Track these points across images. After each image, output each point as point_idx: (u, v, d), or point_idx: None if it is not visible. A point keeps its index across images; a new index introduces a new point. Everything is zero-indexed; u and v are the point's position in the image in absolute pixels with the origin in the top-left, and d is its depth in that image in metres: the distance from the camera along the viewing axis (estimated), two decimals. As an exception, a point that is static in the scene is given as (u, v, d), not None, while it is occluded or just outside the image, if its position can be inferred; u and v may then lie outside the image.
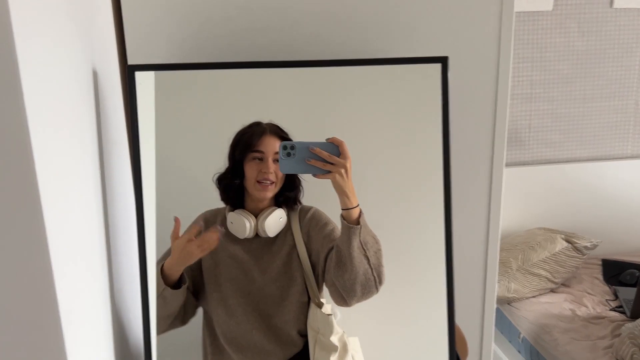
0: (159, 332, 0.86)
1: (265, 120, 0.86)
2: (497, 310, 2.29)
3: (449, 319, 0.90)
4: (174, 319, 0.86)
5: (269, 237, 0.87)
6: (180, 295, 0.84)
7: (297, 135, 0.87)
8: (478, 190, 1.12)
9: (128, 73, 0.79)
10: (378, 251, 0.85)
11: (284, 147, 0.81)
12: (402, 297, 0.92)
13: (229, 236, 0.86)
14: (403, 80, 0.90)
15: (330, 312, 0.87)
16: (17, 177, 0.50)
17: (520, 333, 2.10)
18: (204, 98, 0.89)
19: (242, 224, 0.85)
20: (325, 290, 0.88)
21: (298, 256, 0.87)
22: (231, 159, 0.85)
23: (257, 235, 0.87)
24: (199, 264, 0.87)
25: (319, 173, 0.82)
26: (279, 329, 0.87)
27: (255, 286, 0.87)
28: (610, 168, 2.56)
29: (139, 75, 0.81)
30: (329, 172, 0.82)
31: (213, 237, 0.83)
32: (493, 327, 1.23)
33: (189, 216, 0.88)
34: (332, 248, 0.85)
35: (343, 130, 0.90)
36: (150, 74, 0.83)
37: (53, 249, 0.53)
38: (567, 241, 2.28)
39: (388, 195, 0.91)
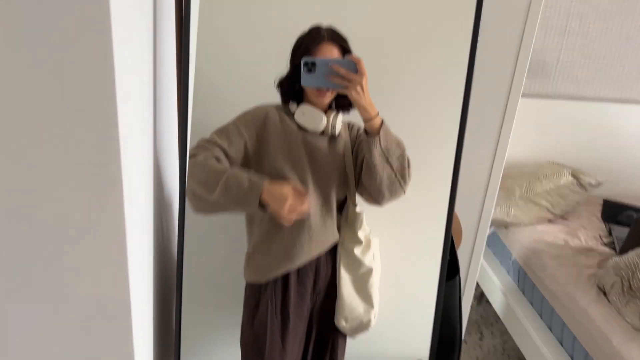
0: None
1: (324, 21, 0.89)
2: (493, 233, 2.40)
3: (448, 209, 1.02)
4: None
5: (328, 137, 0.94)
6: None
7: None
8: (491, 119, 1.18)
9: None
10: (401, 155, 0.93)
11: (305, 64, 0.86)
12: (408, 202, 1.00)
13: (293, 126, 0.92)
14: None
15: (360, 210, 0.97)
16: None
17: (512, 255, 2.22)
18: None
19: (319, 117, 0.91)
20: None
21: (344, 159, 0.95)
22: (292, 64, 0.90)
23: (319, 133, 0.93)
24: (267, 147, 0.92)
25: (336, 88, 0.88)
26: (333, 214, 0.96)
27: (321, 173, 0.94)
28: (633, 112, 2.56)
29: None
30: (346, 87, 0.87)
31: (304, 212, 0.90)
32: (490, 220, 1.34)
33: (225, 112, 0.93)
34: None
35: (370, 37, 0.95)
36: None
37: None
38: (573, 176, 2.34)
39: (405, 106, 0.98)
